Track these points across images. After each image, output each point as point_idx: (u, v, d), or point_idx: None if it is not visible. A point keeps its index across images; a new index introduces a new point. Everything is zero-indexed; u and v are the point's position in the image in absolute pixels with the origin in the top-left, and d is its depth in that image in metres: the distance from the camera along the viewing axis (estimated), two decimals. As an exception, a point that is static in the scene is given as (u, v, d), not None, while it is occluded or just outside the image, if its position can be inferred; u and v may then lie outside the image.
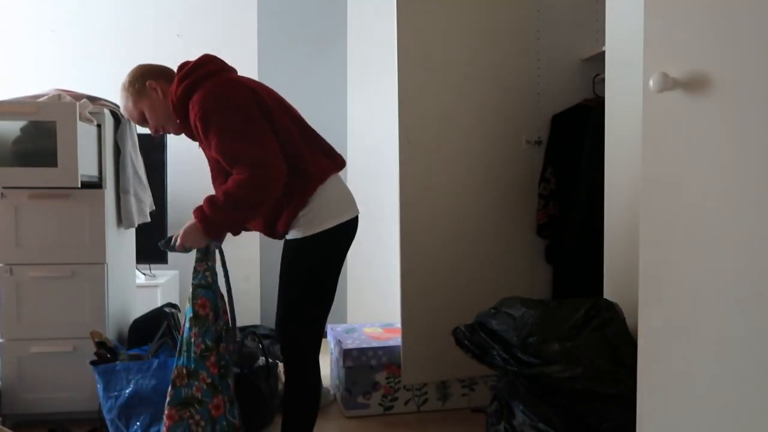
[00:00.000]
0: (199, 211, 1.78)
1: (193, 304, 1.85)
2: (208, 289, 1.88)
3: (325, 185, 1.89)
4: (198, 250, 1.88)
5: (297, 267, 1.90)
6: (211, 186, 1.97)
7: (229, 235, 1.98)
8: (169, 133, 2.01)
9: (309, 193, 1.86)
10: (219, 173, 1.92)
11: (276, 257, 1.99)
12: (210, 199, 1.77)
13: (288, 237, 1.92)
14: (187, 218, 1.95)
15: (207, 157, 1.95)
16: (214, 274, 1.90)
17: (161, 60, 3.65)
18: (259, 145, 1.76)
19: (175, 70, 1.94)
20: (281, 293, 1.93)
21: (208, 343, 1.84)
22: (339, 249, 1.94)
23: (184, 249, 1.83)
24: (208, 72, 1.87)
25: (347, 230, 1.93)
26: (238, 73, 1.98)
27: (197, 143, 1.96)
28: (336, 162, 1.97)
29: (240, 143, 1.75)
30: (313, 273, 1.90)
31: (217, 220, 1.77)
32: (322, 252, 1.90)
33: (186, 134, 1.98)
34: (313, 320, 1.92)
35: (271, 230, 1.93)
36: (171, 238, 1.85)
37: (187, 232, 1.82)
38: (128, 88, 1.95)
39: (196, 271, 1.88)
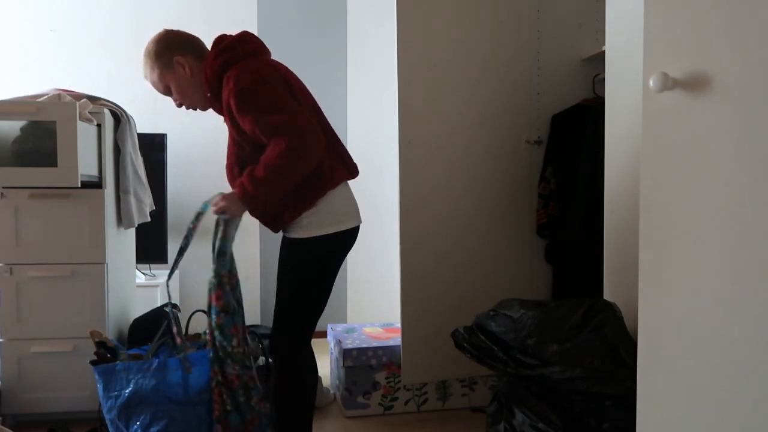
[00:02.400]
0: (240, 186, 1.77)
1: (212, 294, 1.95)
2: (213, 288, 1.94)
3: (335, 191, 1.89)
4: (219, 255, 1.92)
5: (292, 265, 1.91)
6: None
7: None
8: (194, 108, 1.98)
9: (319, 195, 1.85)
10: (237, 157, 1.90)
11: (275, 257, 1.99)
12: (250, 172, 1.75)
13: (288, 234, 1.92)
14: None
15: (229, 138, 1.93)
16: (218, 276, 1.94)
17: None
18: (297, 116, 1.76)
19: (211, 43, 1.91)
20: (277, 289, 1.95)
21: (220, 339, 1.95)
22: (336, 255, 1.94)
23: (221, 212, 1.84)
24: (249, 50, 1.86)
25: (347, 239, 1.93)
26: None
27: (222, 118, 1.93)
28: (351, 170, 1.97)
29: (278, 114, 1.73)
30: (307, 273, 1.90)
31: (258, 193, 1.75)
32: (319, 255, 1.90)
33: (214, 109, 1.95)
34: (304, 319, 1.92)
35: (271, 222, 1.93)
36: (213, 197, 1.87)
37: (227, 197, 1.81)
38: (154, 58, 1.90)
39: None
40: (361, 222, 1.97)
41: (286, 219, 1.88)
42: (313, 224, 1.86)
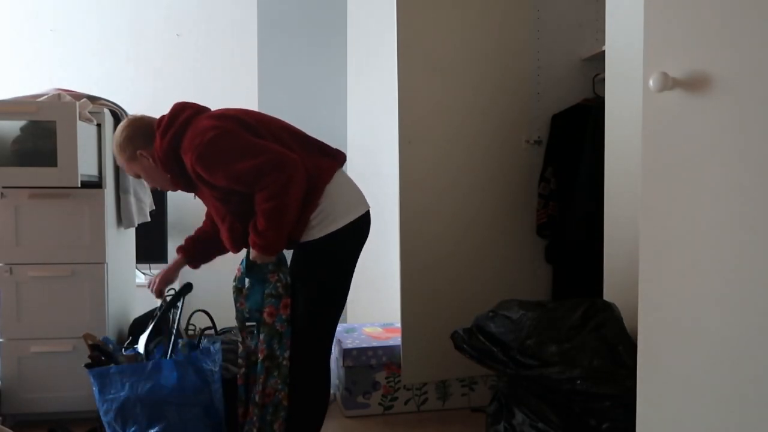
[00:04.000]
0: (255, 246, 1.83)
1: (262, 312, 1.93)
2: (277, 299, 1.93)
3: (332, 183, 1.89)
4: (273, 260, 1.93)
5: (311, 269, 1.90)
6: None
7: None
8: (166, 190, 2.06)
9: (318, 195, 1.85)
10: (224, 215, 1.93)
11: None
12: (254, 228, 1.81)
13: (299, 241, 1.90)
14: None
15: (208, 204, 1.98)
16: (286, 289, 1.94)
17: (161, 60, 3.65)
18: (262, 153, 1.77)
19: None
20: (297, 298, 1.92)
21: (275, 348, 1.92)
22: (355, 247, 1.94)
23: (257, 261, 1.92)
24: (188, 117, 1.88)
25: (362, 225, 1.93)
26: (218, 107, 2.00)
27: (192, 195, 2.00)
28: (336, 158, 1.97)
29: (246, 160, 1.76)
30: (328, 273, 1.89)
31: (269, 241, 1.80)
32: (337, 251, 1.89)
33: (179, 187, 1.99)
34: (332, 322, 1.93)
35: (290, 243, 1.93)
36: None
37: (257, 258, 1.88)
38: (120, 151, 1.99)
39: (267, 281, 1.93)
40: (369, 207, 1.97)
41: (298, 232, 1.87)
42: (323, 222, 1.86)
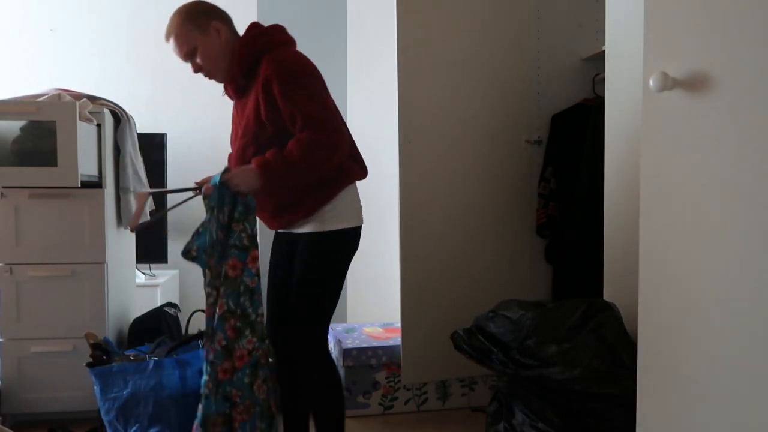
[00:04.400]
0: (262, 160, 1.75)
1: (225, 263, 1.77)
2: (242, 251, 1.79)
3: (351, 187, 1.92)
4: (239, 208, 1.79)
5: (315, 259, 1.87)
6: None
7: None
8: (211, 77, 1.94)
9: (339, 188, 1.86)
10: (255, 137, 1.85)
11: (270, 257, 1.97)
12: (276, 151, 1.75)
13: (303, 230, 1.88)
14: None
15: (239, 118, 1.91)
16: (251, 240, 1.81)
17: (161, 60, 3.64)
18: (334, 114, 1.81)
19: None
20: (294, 289, 1.88)
21: (231, 305, 1.77)
22: (352, 251, 1.94)
23: (232, 185, 1.76)
24: (285, 40, 1.91)
25: (358, 236, 1.94)
26: None
27: (234, 101, 1.94)
28: (363, 170, 1.97)
29: (320, 107, 1.78)
30: (332, 267, 1.88)
31: (277, 167, 1.74)
32: (342, 249, 1.89)
33: (230, 85, 1.93)
34: (328, 314, 1.91)
35: (284, 215, 1.89)
36: (227, 168, 1.81)
37: (242, 170, 1.78)
38: (189, 18, 1.86)
39: (231, 230, 1.79)
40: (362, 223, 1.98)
41: (302, 212, 1.85)
42: (336, 217, 1.86)
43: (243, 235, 1.80)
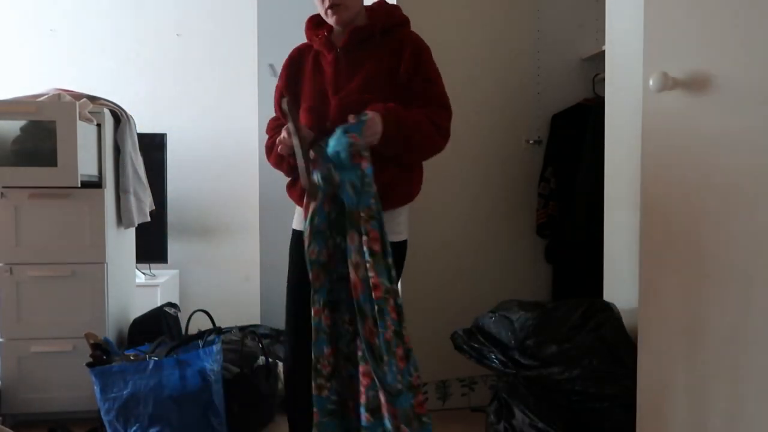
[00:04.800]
0: (393, 109, 1.64)
1: (368, 237, 1.51)
2: (379, 223, 1.53)
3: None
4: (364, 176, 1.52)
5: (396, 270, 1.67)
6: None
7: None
8: (336, 13, 1.78)
9: (417, 191, 1.85)
10: (361, 80, 1.76)
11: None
12: (411, 112, 1.68)
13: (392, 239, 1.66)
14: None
15: (358, 75, 1.76)
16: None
17: (161, 60, 3.65)
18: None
19: None
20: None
21: (386, 283, 1.53)
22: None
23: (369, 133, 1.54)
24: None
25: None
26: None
27: (328, 54, 1.81)
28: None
29: (445, 92, 1.82)
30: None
31: (403, 119, 1.63)
32: (402, 261, 1.83)
33: (351, 31, 1.79)
34: None
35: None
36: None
37: (374, 121, 1.58)
38: None
39: (362, 197, 1.51)
40: None
41: (397, 198, 1.74)
42: (404, 225, 1.81)
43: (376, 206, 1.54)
